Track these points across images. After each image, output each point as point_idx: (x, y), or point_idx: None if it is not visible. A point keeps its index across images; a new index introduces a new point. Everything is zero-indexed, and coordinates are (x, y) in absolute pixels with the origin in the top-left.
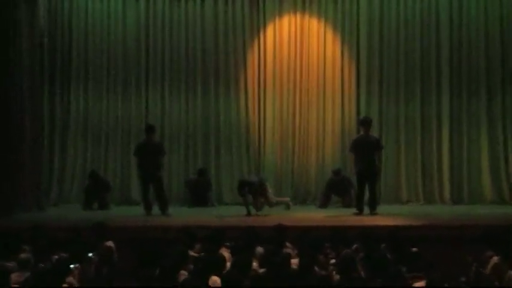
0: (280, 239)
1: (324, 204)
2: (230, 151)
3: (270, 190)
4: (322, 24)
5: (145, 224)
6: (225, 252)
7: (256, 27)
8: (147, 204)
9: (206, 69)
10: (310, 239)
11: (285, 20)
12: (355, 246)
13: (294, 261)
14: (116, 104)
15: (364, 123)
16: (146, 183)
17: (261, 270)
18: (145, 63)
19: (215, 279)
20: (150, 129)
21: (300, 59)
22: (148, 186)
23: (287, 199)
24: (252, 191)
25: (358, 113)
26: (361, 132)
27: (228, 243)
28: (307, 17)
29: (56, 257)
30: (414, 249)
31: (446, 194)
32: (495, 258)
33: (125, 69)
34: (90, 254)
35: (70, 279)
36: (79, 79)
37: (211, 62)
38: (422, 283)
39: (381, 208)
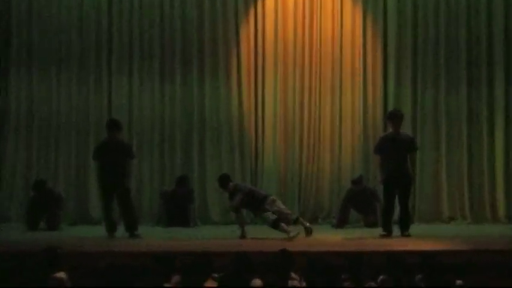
0: (284, 268)
1: (341, 222)
2: (218, 154)
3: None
4: None
5: (108, 248)
6: (212, 285)
7: None
8: (110, 223)
9: (187, 48)
10: (323, 269)
11: None
12: (381, 277)
13: None
14: (68, 93)
15: (394, 117)
16: (109, 196)
17: None
18: (107, 40)
19: None
20: (114, 125)
21: (310, 34)
22: (112, 200)
23: (307, 224)
24: (235, 195)
25: (385, 104)
26: (390, 129)
27: (215, 274)
28: None
29: None
30: (459, 281)
31: (501, 209)
32: None
33: (81, 48)
34: None
35: None
36: (20, 61)
37: (194, 38)
38: None
39: (415, 228)
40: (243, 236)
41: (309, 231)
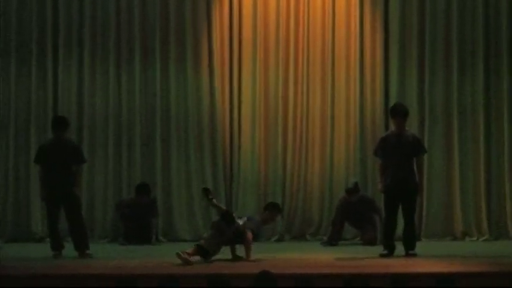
0: None
1: (333, 239)
2: (186, 157)
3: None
4: None
5: (53, 271)
6: None
7: None
8: (55, 240)
9: (148, 30)
10: None
11: None
12: None
13: None
14: (6, 83)
15: (397, 113)
16: (54, 208)
17: None
18: (52, 20)
19: None
20: (60, 123)
21: (296, 14)
22: (58, 212)
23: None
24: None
25: (386, 98)
26: (392, 128)
27: None
28: None
29: None
30: None
31: None
32: None
33: (20, 30)
34: None
35: None
36: None
37: (156, 19)
38: None
39: (422, 246)
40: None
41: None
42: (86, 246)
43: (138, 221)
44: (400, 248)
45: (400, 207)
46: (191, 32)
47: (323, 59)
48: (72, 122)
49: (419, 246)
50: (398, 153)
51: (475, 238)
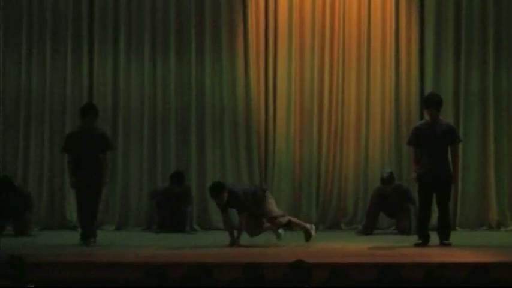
0: (299, 282)
1: (368, 228)
2: (221, 146)
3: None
4: None
5: (86, 258)
6: None
7: None
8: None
9: (184, 18)
10: (346, 284)
11: None
12: None
13: None
14: (41, 71)
15: (431, 103)
16: (84, 196)
17: None
18: (88, 7)
19: None
20: (88, 110)
21: (331, 2)
22: (87, 200)
23: (307, 225)
24: (236, 203)
25: (421, 87)
26: (426, 117)
27: None
28: None
29: None
30: None
31: None
32: None
33: (54, 17)
34: None
35: None
36: None
37: (192, 6)
38: None
39: (456, 236)
40: (232, 243)
41: (308, 235)
42: (93, 233)
43: (172, 209)
44: (434, 237)
45: (435, 197)
46: (227, 18)
47: (358, 48)
48: (107, 110)
49: (454, 236)
50: (432, 142)
51: (510, 228)
